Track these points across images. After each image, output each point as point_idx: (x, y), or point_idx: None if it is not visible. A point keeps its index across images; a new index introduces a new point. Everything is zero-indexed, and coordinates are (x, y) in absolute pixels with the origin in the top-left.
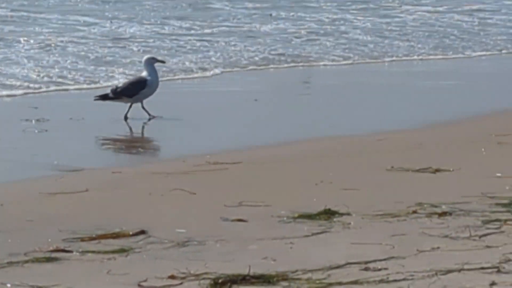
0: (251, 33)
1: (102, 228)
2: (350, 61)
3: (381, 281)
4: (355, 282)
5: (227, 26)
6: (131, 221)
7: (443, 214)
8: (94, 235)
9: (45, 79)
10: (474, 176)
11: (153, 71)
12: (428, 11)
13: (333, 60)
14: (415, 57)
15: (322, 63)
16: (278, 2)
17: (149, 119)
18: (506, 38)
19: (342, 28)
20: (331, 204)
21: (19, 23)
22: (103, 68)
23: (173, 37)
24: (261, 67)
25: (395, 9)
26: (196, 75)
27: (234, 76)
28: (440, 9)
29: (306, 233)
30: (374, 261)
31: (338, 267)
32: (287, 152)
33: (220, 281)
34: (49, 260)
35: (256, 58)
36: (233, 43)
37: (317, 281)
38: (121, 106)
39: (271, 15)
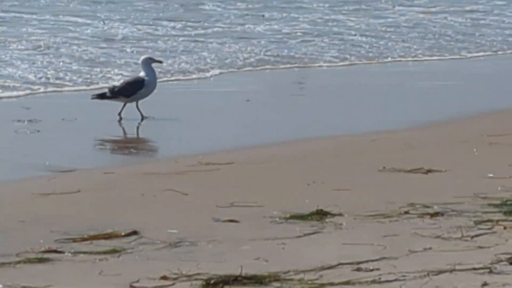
0: (245, 34)
1: (94, 228)
2: (346, 62)
3: (373, 281)
4: (347, 283)
5: (220, 27)
6: (123, 221)
7: (435, 214)
8: (86, 236)
9: (38, 80)
10: (466, 176)
11: (150, 71)
12: (422, 12)
13: (328, 61)
14: (410, 58)
15: (317, 64)
16: (270, 3)
17: (142, 120)
18: (501, 39)
19: (336, 29)
20: (323, 205)
21: (12, 24)
22: (97, 69)
23: (166, 38)
24: (258, 68)
25: (387, 9)
26: (194, 76)
27: (231, 78)
28: (433, 10)
29: (298, 233)
30: (366, 261)
31: (330, 267)
32: (279, 153)
33: (212, 281)
34: (41, 260)
35: (252, 60)
36: (227, 44)
37: (309, 282)
38: (114, 108)
39: (263, 16)
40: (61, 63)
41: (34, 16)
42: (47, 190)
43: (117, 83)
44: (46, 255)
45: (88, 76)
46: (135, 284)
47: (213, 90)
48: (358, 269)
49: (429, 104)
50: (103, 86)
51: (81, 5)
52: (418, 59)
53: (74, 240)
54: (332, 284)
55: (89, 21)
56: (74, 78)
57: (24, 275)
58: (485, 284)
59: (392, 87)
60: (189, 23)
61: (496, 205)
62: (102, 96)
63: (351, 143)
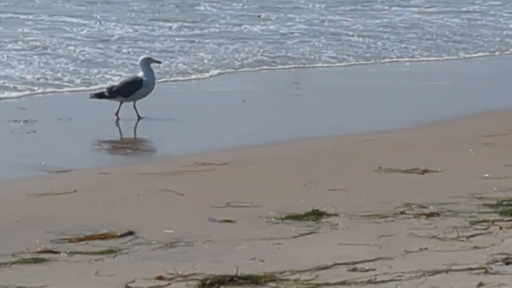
0: (241, 34)
1: (90, 229)
2: (343, 63)
3: (369, 281)
4: (343, 283)
5: (216, 27)
6: (119, 222)
7: (431, 214)
8: (82, 236)
9: (35, 80)
10: (462, 177)
11: (149, 72)
12: (418, 13)
13: (325, 62)
14: (407, 58)
15: (315, 65)
16: (266, 3)
17: (138, 120)
18: (499, 39)
19: (333, 29)
20: (319, 205)
21: (7, 24)
22: (94, 70)
23: (162, 38)
24: (255, 69)
25: (383, 10)
26: (191, 76)
27: (228, 78)
28: (429, 10)
29: (294, 233)
30: (362, 261)
31: (326, 267)
32: (275, 153)
33: (208, 282)
34: (36, 261)
35: (249, 60)
36: (224, 45)
37: (305, 282)
38: (110, 108)
39: (259, 16)
40: (57, 64)
41: (30, 17)
42: (43, 190)
43: (115, 83)
44: (42, 255)
45: (85, 77)
46: (131, 284)
47: (210, 90)
48: (354, 269)
49: (425, 105)
50: (99, 87)
51: (76, 5)
52: (416, 59)
53: (70, 240)
54: (328, 284)
55: (85, 22)
56: (71, 78)
57: (20, 275)
58: (481, 284)
59: (388, 88)
60: (185, 24)
61: (491, 205)
62: (100, 96)
63: (347, 143)
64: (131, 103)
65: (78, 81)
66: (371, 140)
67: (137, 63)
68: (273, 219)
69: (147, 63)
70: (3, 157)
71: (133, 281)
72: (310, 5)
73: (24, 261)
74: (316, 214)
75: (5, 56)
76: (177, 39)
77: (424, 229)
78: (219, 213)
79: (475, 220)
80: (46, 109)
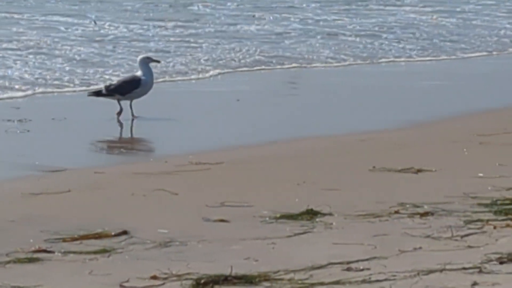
0: (237, 34)
1: (84, 228)
2: (340, 63)
3: (363, 281)
4: (337, 282)
5: (211, 27)
6: (113, 221)
7: (425, 214)
8: (76, 236)
9: (28, 80)
10: (456, 176)
11: (148, 71)
12: (413, 12)
13: (323, 62)
14: (403, 58)
15: (312, 64)
16: (261, 3)
17: (132, 120)
18: (496, 39)
19: (328, 29)
20: (313, 204)
21: (2, 24)
22: (90, 70)
23: (157, 38)
24: (251, 69)
25: (378, 9)
26: (187, 77)
27: (225, 78)
28: (424, 9)
29: (288, 233)
30: (356, 261)
31: (320, 267)
32: (270, 152)
33: (202, 281)
34: (31, 260)
35: (246, 60)
36: (220, 44)
37: (299, 281)
38: (105, 107)
39: (254, 16)
40: (52, 64)
41: (25, 16)
42: (37, 190)
43: (113, 81)
44: (36, 255)
45: (80, 76)
46: (125, 284)
47: (206, 90)
48: (348, 269)
49: (419, 104)
50: (91, 88)
51: (69, 5)
52: (412, 59)
53: (64, 240)
54: (322, 283)
55: (80, 21)
56: (65, 78)
57: (14, 275)
58: (475, 283)
59: (383, 87)
60: (180, 23)
61: (486, 205)
62: (98, 94)
63: (342, 142)
64: (127, 102)
65: (72, 80)
66: (366, 140)
67: (136, 62)
68: (267, 219)
69: (146, 62)
70: None
71: (127, 281)
72: (304, 5)
73: (19, 261)
74: (311, 214)
75: (0, 55)
76: (172, 39)
77: (418, 229)
78: (213, 212)
79: (469, 219)
80: (40, 108)
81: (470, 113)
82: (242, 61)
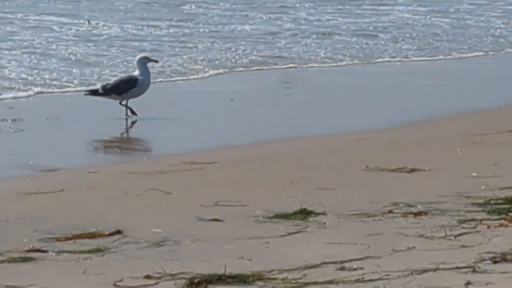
0: (232, 34)
1: (78, 228)
2: (337, 63)
3: (357, 280)
4: (330, 282)
5: (206, 27)
6: (107, 221)
7: (418, 213)
8: (70, 235)
9: (22, 79)
10: (450, 175)
11: (145, 71)
12: (406, 11)
13: (319, 62)
14: (399, 58)
15: (309, 65)
16: (254, 3)
17: (126, 119)
18: (493, 39)
19: (323, 29)
20: (307, 204)
21: None
22: (86, 70)
23: (150, 38)
24: (248, 69)
25: (371, 9)
26: (180, 77)
27: (221, 78)
28: (418, 9)
29: (282, 232)
30: (350, 260)
31: (313, 266)
32: (263, 152)
33: (196, 281)
34: (24, 260)
35: (244, 60)
36: (216, 44)
37: (293, 281)
38: (99, 107)
39: (247, 15)
40: (46, 63)
41: (19, 16)
42: (30, 189)
43: (110, 81)
44: (30, 254)
45: (73, 76)
46: (119, 283)
47: (200, 90)
48: (342, 268)
49: (413, 104)
50: (83, 88)
51: (63, 4)
52: (407, 59)
53: (58, 239)
54: (315, 283)
55: (74, 21)
56: (59, 77)
57: (8, 274)
58: (468, 283)
59: (377, 87)
60: (173, 23)
61: (479, 204)
62: (94, 93)
63: (335, 142)
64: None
65: (67, 80)
66: (360, 139)
67: (132, 62)
68: (261, 218)
69: (144, 62)
70: None
71: (121, 280)
72: (298, 5)
73: (12, 260)
74: (304, 213)
75: None
76: (166, 39)
77: (412, 228)
78: (207, 212)
79: (463, 219)
80: (34, 108)
81: (464, 112)
82: (239, 61)
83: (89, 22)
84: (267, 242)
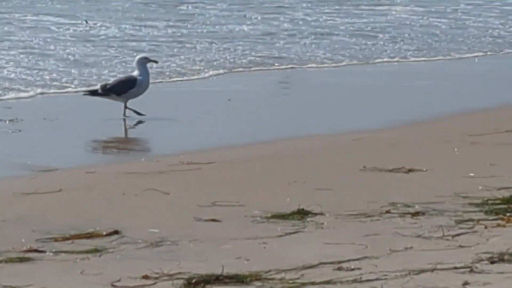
0: (230, 34)
1: (76, 228)
2: (336, 64)
3: (354, 281)
4: (328, 282)
5: (203, 27)
6: (104, 221)
7: (416, 214)
8: (67, 235)
9: (19, 79)
10: (447, 176)
11: (144, 71)
12: (404, 11)
13: (317, 62)
14: (397, 59)
15: (308, 65)
16: (251, 3)
17: (124, 119)
18: (491, 39)
19: (321, 29)
20: (305, 204)
21: None
22: (85, 71)
23: (148, 38)
24: (247, 70)
25: (369, 9)
26: (178, 77)
27: (219, 78)
28: (416, 9)
29: (280, 233)
30: (348, 261)
31: (311, 267)
32: (261, 152)
33: (193, 281)
34: (22, 260)
35: (243, 60)
36: (214, 45)
37: (291, 281)
38: (95, 107)
39: (245, 16)
40: (44, 64)
41: (16, 16)
42: (28, 190)
43: (109, 81)
44: (27, 255)
45: (72, 77)
46: (117, 284)
47: (198, 90)
48: (339, 269)
49: (411, 104)
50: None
51: (60, 4)
52: (406, 60)
53: (56, 240)
54: (313, 283)
55: (72, 21)
56: (57, 77)
57: (6, 275)
58: (466, 283)
59: (375, 88)
60: (171, 23)
61: (477, 205)
62: (93, 93)
63: (333, 142)
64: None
65: (66, 80)
66: (358, 140)
67: (131, 63)
68: (258, 218)
69: (143, 62)
70: None
71: (119, 280)
72: (295, 4)
73: (10, 260)
74: (302, 213)
75: None
76: (164, 39)
77: (410, 228)
78: (204, 212)
79: (461, 219)
80: (31, 108)
81: (462, 113)
82: (238, 61)
83: (86, 22)
84: (265, 242)
